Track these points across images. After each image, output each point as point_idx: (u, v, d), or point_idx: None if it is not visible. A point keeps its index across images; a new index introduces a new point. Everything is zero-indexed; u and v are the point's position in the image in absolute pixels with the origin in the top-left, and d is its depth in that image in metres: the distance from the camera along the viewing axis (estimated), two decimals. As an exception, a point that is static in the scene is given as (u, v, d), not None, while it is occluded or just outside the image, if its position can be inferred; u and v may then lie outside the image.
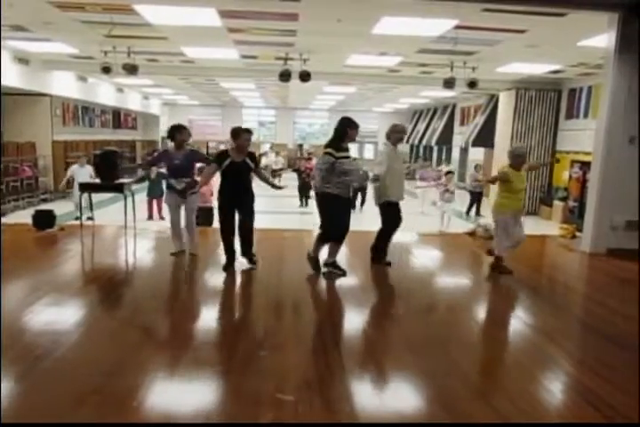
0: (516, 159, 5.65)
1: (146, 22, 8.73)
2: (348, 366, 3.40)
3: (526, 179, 5.79)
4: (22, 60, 12.76)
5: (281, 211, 15.14)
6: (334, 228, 5.29)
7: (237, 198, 5.47)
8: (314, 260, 5.46)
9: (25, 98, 14.56)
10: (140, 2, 7.60)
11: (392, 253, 5.99)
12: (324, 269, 5.44)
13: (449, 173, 12.67)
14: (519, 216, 5.85)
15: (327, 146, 5.26)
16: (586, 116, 13.49)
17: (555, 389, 3.27)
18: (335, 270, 5.42)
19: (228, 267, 5.52)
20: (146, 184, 11.73)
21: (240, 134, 5.41)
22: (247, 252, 5.64)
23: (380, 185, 5.69)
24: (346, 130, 5.22)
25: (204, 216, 8.60)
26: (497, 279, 5.96)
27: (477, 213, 14.19)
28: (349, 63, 12.49)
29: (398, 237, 5.97)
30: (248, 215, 5.56)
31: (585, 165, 12.77)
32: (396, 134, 5.84)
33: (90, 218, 8.80)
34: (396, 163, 5.85)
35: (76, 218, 9.78)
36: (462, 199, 14.09)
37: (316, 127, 32.46)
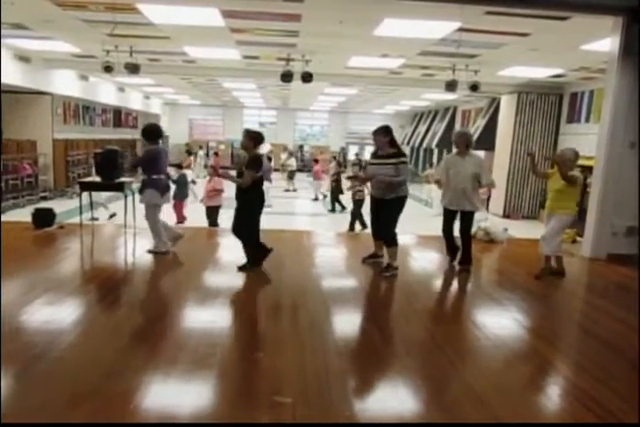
0: (557, 162, 5.85)
1: (148, 22, 8.71)
2: (346, 368, 3.39)
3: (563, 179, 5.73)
4: (23, 58, 12.75)
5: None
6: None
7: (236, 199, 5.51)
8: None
9: (26, 96, 14.55)
10: (143, 1, 7.59)
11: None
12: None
13: None
14: (551, 217, 5.83)
15: None
16: (587, 120, 13.48)
17: (553, 393, 3.26)
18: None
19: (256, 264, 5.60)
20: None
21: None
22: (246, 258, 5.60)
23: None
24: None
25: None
26: (496, 283, 5.94)
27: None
28: (351, 65, 12.49)
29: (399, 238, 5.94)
30: (236, 219, 5.50)
31: (586, 169, 12.74)
32: (456, 139, 5.92)
33: (95, 218, 8.77)
34: (454, 169, 5.78)
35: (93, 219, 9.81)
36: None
37: (316, 128, 32.46)
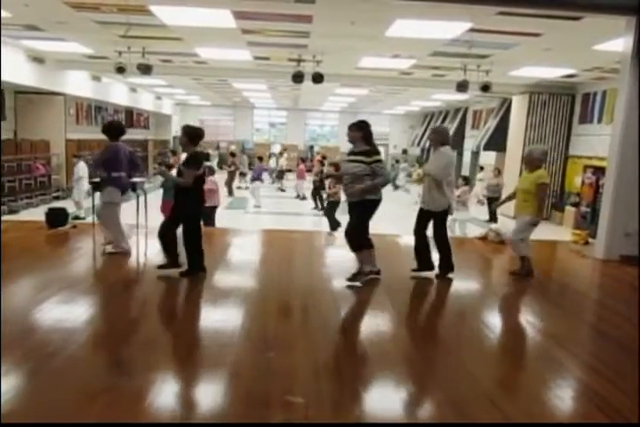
0: (525, 159, 5.97)
1: (161, 23, 8.78)
2: (357, 367, 3.39)
3: (532, 181, 5.74)
4: (37, 59, 12.87)
5: (291, 212, 15.19)
6: None
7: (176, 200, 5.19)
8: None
9: (39, 97, 14.69)
10: (155, 3, 7.65)
11: (404, 255, 5.95)
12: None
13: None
14: (518, 217, 5.96)
15: None
16: (600, 120, 13.38)
17: (564, 394, 3.24)
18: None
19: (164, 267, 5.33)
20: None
21: None
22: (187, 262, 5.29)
23: None
24: None
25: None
26: (508, 284, 5.92)
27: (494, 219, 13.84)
28: (362, 65, 12.49)
29: (409, 239, 5.93)
30: (171, 222, 5.19)
31: (598, 171, 12.67)
32: (429, 136, 5.80)
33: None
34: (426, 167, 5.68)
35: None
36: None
37: (326, 129, 32.48)
